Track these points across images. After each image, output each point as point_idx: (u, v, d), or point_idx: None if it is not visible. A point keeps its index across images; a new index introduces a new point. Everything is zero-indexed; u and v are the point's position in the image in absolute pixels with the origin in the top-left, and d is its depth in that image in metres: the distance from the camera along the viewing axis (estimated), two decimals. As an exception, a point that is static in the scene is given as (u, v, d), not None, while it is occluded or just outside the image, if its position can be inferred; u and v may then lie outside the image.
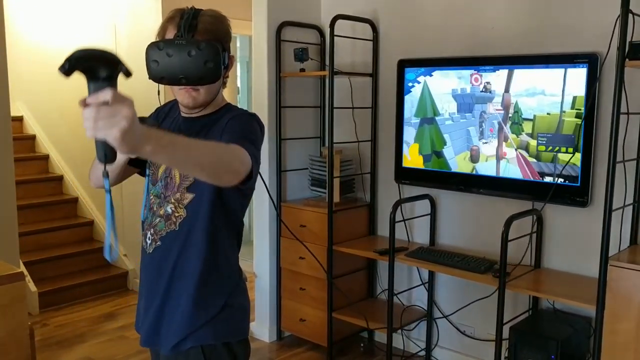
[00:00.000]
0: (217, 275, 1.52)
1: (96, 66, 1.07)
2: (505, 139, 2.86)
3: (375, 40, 3.42)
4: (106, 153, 1.10)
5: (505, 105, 2.84)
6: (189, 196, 1.49)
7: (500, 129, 2.88)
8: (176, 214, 1.50)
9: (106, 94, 1.00)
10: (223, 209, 1.50)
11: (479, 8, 3.03)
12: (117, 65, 1.09)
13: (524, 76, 2.78)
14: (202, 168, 1.19)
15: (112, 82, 1.09)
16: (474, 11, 3.05)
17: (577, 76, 2.61)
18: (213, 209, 1.48)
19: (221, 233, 1.52)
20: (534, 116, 2.75)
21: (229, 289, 1.55)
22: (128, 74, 1.12)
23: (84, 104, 1.01)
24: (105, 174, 1.16)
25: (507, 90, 2.83)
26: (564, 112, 2.66)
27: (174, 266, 1.52)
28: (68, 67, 1.07)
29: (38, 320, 3.95)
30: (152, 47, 1.36)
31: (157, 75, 1.37)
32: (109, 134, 0.98)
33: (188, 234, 1.50)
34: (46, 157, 5.24)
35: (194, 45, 1.35)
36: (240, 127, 1.46)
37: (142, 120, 1.32)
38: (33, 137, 5.34)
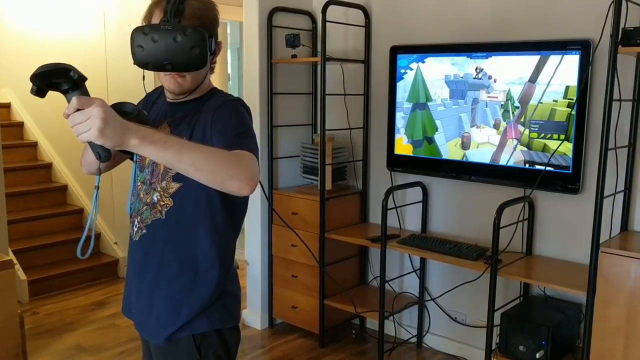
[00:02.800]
0: (208, 264, 1.50)
1: (56, 81, 1.17)
2: (497, 127, 2.86)
3: (368, 26, 3.40)
4: (99, 152, 1.20)
5: (498, 93, 2.84)
6: (175, 185, 1.47)
7: (492, 116, 2.87)
8: (162, 203, 1.49)
9: (73, 102, 1.12)
10: (225, 200, 1.47)
11: (471, -6, 3.01)
12: (69, 74, 1.17)
13: (516, 63, 2.77)
14: (196, 169, 1.23)
15: (80, 89, 1.18)
16: (467, -3, 3.03)
17: (570, 63, 2.61)
18: (207, 198, 1.46)
19: (217, 222, 1.49)
20: (527, 104, 2.75)
21: (221, 277, 1.52)
22: (82, 79, 1.18)
23: (66, 117, 1.13)
24: (98, 171, 1.30)
25: (499, 77, 2.82)
26: (556, 100, 2.66)
27: (162, 255, 1.50)
28: (36, 90, 1.17)
29: (28, 308, 3.92)
30: (137, 32, 1.33)
31: (142, 61, 1.34)
32: (90, 135, 1.11)
33: (176, 223, 1.48)
34: (35, 145, 5.19)
35: (180, 31, 1.32)
36: (234, 122, 1.42)
37: (122, 110, 1.32)
38: (21, 124, 5.28)
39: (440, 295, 3.27)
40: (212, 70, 1.55)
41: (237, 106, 1.47)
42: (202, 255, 1.49)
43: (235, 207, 1.52)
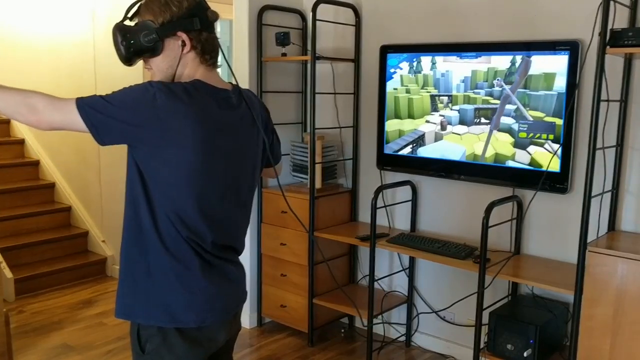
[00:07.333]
0: (138, 249, 1.49)
1: None
2: (487, 126, 2.87)
3: (358, 25, 3.39)
4: None
5: (487, 92, 2.85)
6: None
7: (482, 115, 2.88)
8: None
9: None
10: (142, 182, 1.46)
11: (462, -6, 3.02)
12: None
13: (505, 63, 2.78)
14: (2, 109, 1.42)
15: None
16: (457, -3, 3.04)
17: (559, 63, 2.62)
18: (133, 179, 1.47)
19: (141, 206, 1.47)
20: (517, 103, 2.76)
21: (151, 270, 1.49)
22: None
23: None
24: None
25: (488, 76, 2.83)
26: (545, 100, 2.67)
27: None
28: None
29: (14, 307, 3.89)
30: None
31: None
32: None
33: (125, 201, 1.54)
34: (22, 142, 5.13)
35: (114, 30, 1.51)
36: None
37: None
38: (8, 122, 5.22)
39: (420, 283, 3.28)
40: (205, 61, 1.53)
41: (140, 84, 1.43)
42: (134, 238, 1.52)
43: (155, 191, 1.47)
